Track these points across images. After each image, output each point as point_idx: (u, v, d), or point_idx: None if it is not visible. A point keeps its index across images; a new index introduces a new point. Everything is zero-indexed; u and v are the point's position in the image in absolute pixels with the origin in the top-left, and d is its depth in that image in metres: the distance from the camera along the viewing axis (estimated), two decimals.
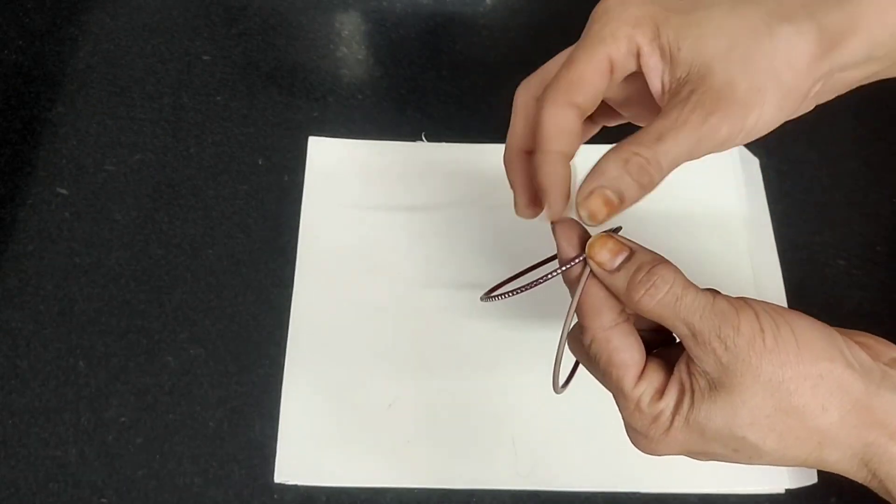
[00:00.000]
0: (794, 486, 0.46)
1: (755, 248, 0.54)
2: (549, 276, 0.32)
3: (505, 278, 0.35)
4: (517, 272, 0.36)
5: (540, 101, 0.32)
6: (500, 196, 0.55)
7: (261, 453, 0.47)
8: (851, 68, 0.32)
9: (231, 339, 0.50)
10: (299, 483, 0.46)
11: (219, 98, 0.60)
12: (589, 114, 0.33)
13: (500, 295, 0.34)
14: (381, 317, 0.51)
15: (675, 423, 0.30)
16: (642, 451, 0.32)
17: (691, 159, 0.31)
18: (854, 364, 0.30)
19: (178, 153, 0.57)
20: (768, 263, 0.53)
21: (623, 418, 0.32)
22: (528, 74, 0.36)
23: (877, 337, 0.32)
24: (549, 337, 0.48)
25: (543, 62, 0.67)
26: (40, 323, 0.50)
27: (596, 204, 0.31)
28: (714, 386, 0.30)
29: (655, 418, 0.30)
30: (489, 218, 0.55)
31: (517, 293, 0.33)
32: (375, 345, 0.50)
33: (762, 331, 0.29)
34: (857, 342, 0.31)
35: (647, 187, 0.31)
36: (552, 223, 0.33)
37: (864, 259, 0.54)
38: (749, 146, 0.53)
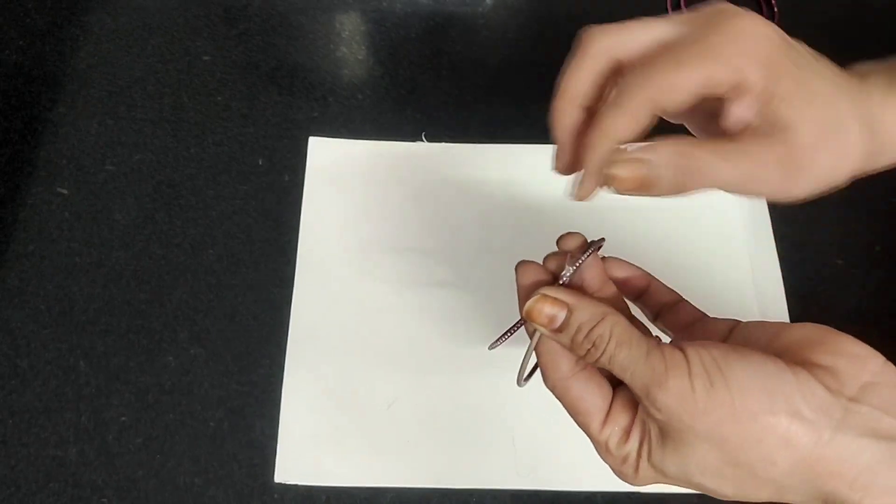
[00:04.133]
0: None
1: (754, 248, 0.54)
2: (513, 329, 0.34)
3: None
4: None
5: (623, 85, 0.30)
6: (499, 196, 0.56)
7: (261, 453, 0.47)
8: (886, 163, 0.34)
9: (231, 339, 0.50)
10: (299, 483, 0.46)
11: (219, 98, 0.60)
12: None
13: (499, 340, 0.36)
14: (381, 317, 0.51)
15: (641, 465, 0.30)
16: (627, 483, 0.32)
17: (732, 191, 0.31)
18: (802, 412, 0.27)
19: (179, 153, 0.57)
20: (767, 263, 0.54)
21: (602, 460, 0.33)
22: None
23: (856, 352, 0.29)
24: None
25: (543, 63, 0.67)
26: (41, 323, 0.50)
27: (629, 171, 0.30)
28: (663, 434, 0.29)
29: (624, 459, 0.31)
30: (489, 217, 0.55)
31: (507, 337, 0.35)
32: (375, 345, 0.50)
33: (693, 390, 0.28)
34: (825, 368, 0.29)
35: (680, 189, 0.30)
36: (516, 268, 0.34)
37: (862, 259, 0.54)
38: None
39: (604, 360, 0.30)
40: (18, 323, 0.50)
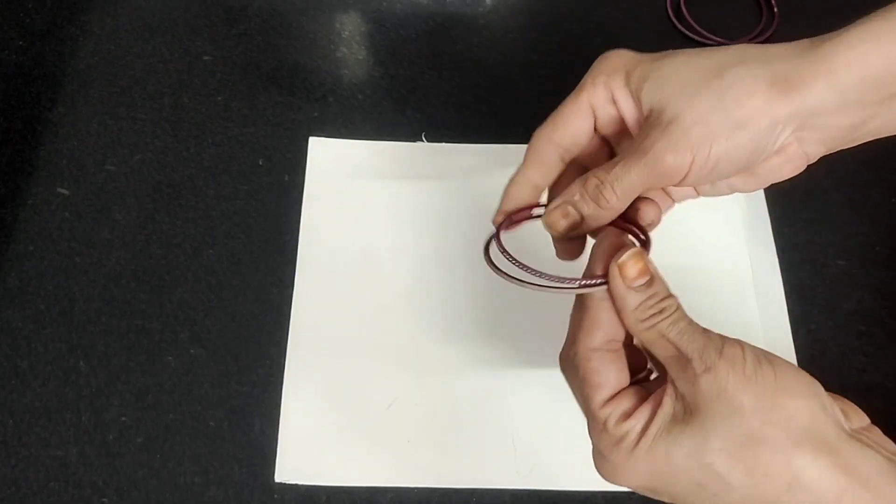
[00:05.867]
0: None
1: (754, 249, 0.54)
2: (565, 288, 0.33)
3: (519, 263, 0.35)
4: (532, 269, 0.35)
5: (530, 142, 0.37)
6: (499, 196, 0.56)
7: (261, 453, 0.47)
8: (829, 113, 0.32)
9: (231, 339, 0.50)
10: (299, 482, 0.46)
11: (219, 98, 0.60)
12: (570, 154, 0.37)
13: (501, 272, 0.35)
14: (381, 317, 0.51)
15: (641, 445, 0.30)
16: (605, 477, 0.32)
17: (649, 187, 0.34)
18: (829, 410, 0.30)
19: (179, 153, 0.57)
20: (767, 264, 0.54)
21: (592, 441, 0.33)
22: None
23: (851, 404, 0.32)
24: (549, 337, 0.48)
25: (543, 63, 0.67)
26: (41, 323, 0.50)
27: (557, 216, 0.35)
28: (688, 410, 0.30)
29: (620, 439, 0.31)
30: (489, 218, 0.55)
31: (519, 283, 0.34)
32: (375, 345, 0.50)
33: (744, 359, 0.30)
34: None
35: (604, 206, 0.34)
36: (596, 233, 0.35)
37: (863, 259, 0.54)
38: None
39: (663, 325, 0.31)
40: (18, 323, 0.50)
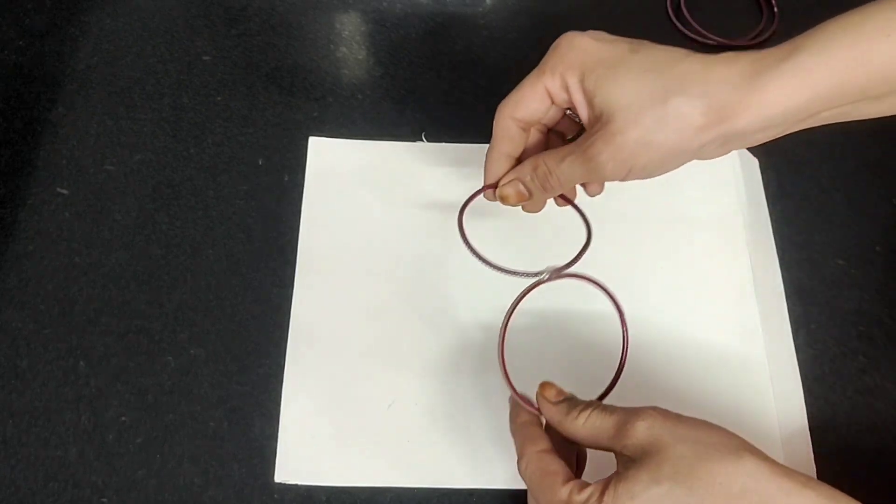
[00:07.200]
0: None
1: (755, 249, 0.54)
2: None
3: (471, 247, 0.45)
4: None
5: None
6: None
7: (261, 453, 0.47)
8: (751, 134, 0.38)
9: (231, 339, 0.50)
10: (299, 483, 0.46)
11: (219, 98, 0.60)
12: (531, 126, 0.43)
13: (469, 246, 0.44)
14: (381, 317, 0.51)
15: (606, 500, 0.33)
16: None
17: (589, 181, 0.44)
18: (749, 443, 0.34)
19: (179, 153, 0.57)
20: (768, 264, 0.54)
21: None
22: (528, 75, 0.42)
23: None
24: (549, 337, 0.48)
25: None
26: (40, 323, 0.50)
27: (509, 190, 0.44)
28: (635, 458, 0.34)
29: (585, 501, 0.34)
30: (488, 217, 0.55)
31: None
32: (375, 345, 0.50)
33: (667, 412, 0.35)
34: None
35: (548, 191, 0.43)
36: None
37: (863, 259, 0.54)
38: (749, 147, 0.54)
39: (593, 418, 0.37)
40: (18, 323, 0.50)
